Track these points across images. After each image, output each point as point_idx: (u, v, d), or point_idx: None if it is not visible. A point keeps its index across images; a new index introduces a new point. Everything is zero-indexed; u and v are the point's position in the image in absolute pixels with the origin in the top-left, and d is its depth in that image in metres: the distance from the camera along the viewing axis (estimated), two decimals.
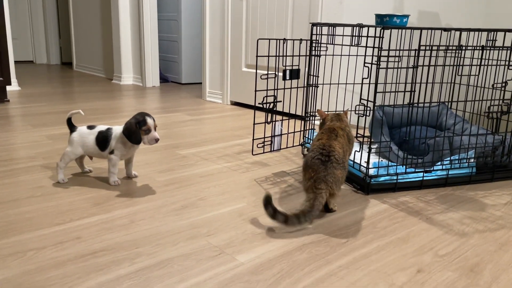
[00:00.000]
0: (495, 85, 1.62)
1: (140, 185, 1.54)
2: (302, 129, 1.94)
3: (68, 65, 6.06)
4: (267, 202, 1.19)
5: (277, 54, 1.68)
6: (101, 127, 1.53)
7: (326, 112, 1.55)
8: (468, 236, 1.23)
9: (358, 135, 1.56)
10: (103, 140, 1.50)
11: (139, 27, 4.11)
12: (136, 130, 1.44)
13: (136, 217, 1.28)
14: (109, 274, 0.98)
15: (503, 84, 1.64)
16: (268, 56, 1.67)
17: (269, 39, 1.60)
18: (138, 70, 4.27)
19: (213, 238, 1.17)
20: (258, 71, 2.98)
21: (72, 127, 1.54)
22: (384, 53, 2.22)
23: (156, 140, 1.46)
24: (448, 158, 1.65)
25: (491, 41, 1.59)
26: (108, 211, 1.31)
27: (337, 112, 1.57)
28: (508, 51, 1.63)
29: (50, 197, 1.41)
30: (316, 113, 1.83)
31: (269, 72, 1.66)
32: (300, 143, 2.02)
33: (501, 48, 1.59)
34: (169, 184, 1.56)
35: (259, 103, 1.76)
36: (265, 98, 1.67)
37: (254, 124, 1.70)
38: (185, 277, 0.98)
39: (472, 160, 1.66)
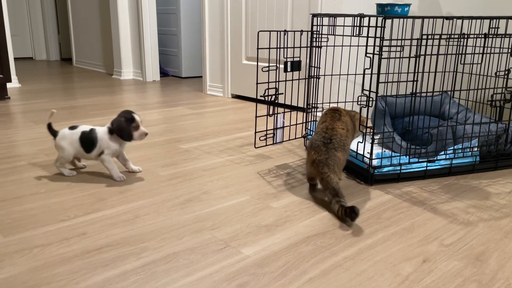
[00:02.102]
0: (498, 73, 1.61)
1: (143, 180, 1.54)
2: (304, 121, 1.94)
3: (67, 61, 6.04)
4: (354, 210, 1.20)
5: (278, 46, 1.67)
6: (84, 127, 1.52)
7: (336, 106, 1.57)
8: (473, 225, 1.23)
9: (361, 126, 1.55)
10: (88, 141, 1.50)
11: (138, 21, 4.09)
12: (128, 127, 1.48)
13: (140, 212, 1.28)
14: (115, 269, 0.99)
15: (506, 72, 1.63)
16: (269, 48, 1.66)
17: (270, 31, 1.59)
18: (138, 64, 4.25)
19: (218, 231, 1.17)
20: (259, 63, 2.97)
21: (53, 132, 1.54)
22: (386, 43, 2.21)
23: (146, 134, 1.52)
24: (452, 148, 1.64)
25: (493, 29, 1.58)
26: (112, 207, 1.31)
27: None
28: (511, 39, 1.62)
29: (54, 194, 1.41)
30: (321, 106, 1.82)
31: (270, 64, 1.65)
32: (303, 135, 2.02)
33: (503, 36, 1.57)
34: (172, 178, 1.56)
35: (260, 96, 1.75)
36: (266, 90, 1.66)
37: (256, 116, 1.70)
38: (191, 271, 0.98)
39: (475, 149, 1.65)
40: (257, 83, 1.62)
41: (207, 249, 1.08)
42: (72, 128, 1.53)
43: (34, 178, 1.55)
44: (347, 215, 1.21)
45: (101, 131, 1.51)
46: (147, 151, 1.88)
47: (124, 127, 1.48)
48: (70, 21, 5.33)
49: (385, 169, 1.53)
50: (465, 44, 1.60)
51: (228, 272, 0.98)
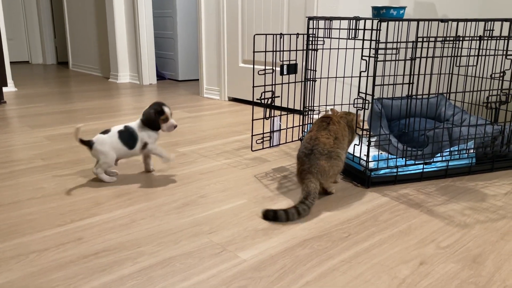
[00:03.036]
0: (493, 75, 1.62)
1: (140, 183, 1.54)
2: (301, 123, 1.94)
3: (64, 64, 6.03)
4: (265, 212, 1.25)
5: (274, 49, 1.67)
6: (117, 127, 1.54)
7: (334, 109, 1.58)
8: (469, 227, 1.23)
9: (358, 127, 1.56)
10: (129, 138, 1.53)
11: (134, 25, 4.09)
12: (156, 118, 1.52)
13: (137, 216, 1.28)
14: (112, 274, 0.98)
15: (501, 74, 1.64)
16: (265, 51, 1.66)
17: (266, 34, 1.60)
18: (135, 68, 4.25)
19: (215, 235, 1.17)
20: (255, 66, 2.97)
21: (88, 142, 1.50)
22: (382, 45, 2.21)
23: (175, 127, 1.56)
24: (448, 149, 1.65)
25: (488, 31, 1.59)
26: (109, 211, 1.31)
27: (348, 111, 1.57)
28: (506, 41, 1.63)
29: (51, 199, 1.40)
30: (317, 109, 1.82)
31: (267, 68, 1.66)
32: (299, 138, 2.02)
33: (498, 38, 1.58)
34: (169, 182, 1.55)
35: (257, 99, 1.75)
36: (263, 93, 1.66)
37: (252, 120, 1.70)
38: (188, 276, 0.98)
39: (471, 151, 1.66)
40: (253, 86, 1.62)
41: (204, 253, 1.07)
42: (105, 132, 1.53)
43: (31, 182, 1.54)
44: (278, 216, 1.24)
45: (136, 125, 1.55)
46: None
47: (152, 118, 1.52)
48: (66, 24, 5.33)
49: (382, 172, 1.54)
50: (460, 46, 1.61)
51: (225, 277, 0.98)
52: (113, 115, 2.72)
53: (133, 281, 0.96)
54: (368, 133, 1.53)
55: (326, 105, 1.99)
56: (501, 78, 1.63)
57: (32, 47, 6.12)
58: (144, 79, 4.15)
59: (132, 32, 4.16)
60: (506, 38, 1.59)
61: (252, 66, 2.98)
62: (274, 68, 1.66)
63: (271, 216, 1.25)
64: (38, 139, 2.12)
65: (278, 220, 1.24)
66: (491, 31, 1.58)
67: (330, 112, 1.54)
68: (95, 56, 4.91)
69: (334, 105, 1.95)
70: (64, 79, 4.53)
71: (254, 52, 1.55)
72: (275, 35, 1.69)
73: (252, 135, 1.74)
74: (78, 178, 1.60)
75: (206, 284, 0.95)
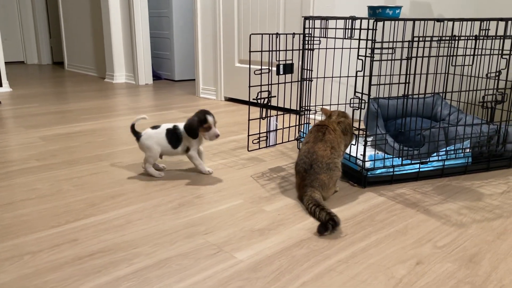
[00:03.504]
0: (489, 75, 1.62)
1: (135, 184, 1.53)
2: (297, 123, 1.94)
3: (59, 64, 6.00)
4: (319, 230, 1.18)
5: (270, 49, 1.67)
6: (167, 125, 1.58)
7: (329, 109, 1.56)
8: (466, 226, 1.23)
9: (354, 128, 1.56)
10: (174, 137, 1.56)
11: (130, 25, 4.07)
12: (197, 127, 1.53)
13: (132, 217, 1.27)
14: (107, 275, 0.97)
15: (497, 74, 1.64)
16: (261, 51, 1.66)
17: (262, 34, 1.59)
18: (131, 68, 4.24)
19: (211, 236, 1.16)
20: (251, 66, 2.96)
21: (137, 134, 1.57)
22: (378, 45, 2.22)
23: (217, 136, 1.56)
24: (444, 149, 1.65)
25: (484, 31, 1.59)
26: (104, 212, 1.30)
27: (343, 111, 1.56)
28: (501, 40, 1.63)
29: (46, 199, 1.39)
30: (313, 109, 1.82)
31: (263, 67, 1.65)
32: (296, 137, 2.01)
33: (494, 38, 1.58)
34: (164, 183, 1.55)
35: (253, 99, 1.75)
36: (259, 93, 1.66)
37: (249, 120, 1.70)
38: (184, 277, 0.97)
39: (467, 150, 1.66)
40: (249, 86, 1.61)
41: (200, 254, 1.07)
42: (155, 127, 1.57)
43: (25, 183, 1.53)
44: (327, 222, 1.18)
45: (183, 128, 1.57)
46: (139, 155, 1.87)
47: (194, 126, 1.53)
48: (61, 24, 5.31)
49: (378, 171, 1.54)
50: (456, 46, 1.61)
51: (221, 277, 0.97)
52: (109, 115, 2.71)
53: (129, 283, 0.95)
54: (364, 133, 1.53)
55: (322, 105, 1.98)
56: (496, 78, 1.63)
57: (27, 47, 6.09)
58: (140, 79, 4.14)
59: (128, 32, 4.14)
60: (502, 37, 1.59)
61: (248, 66, 2.98)
62: (270, 68, 1.66)
63: (326, 229, 1.18)
64: (32, 140, 2.11)
65: (330, 231, 1.18)
66: (486, 31, 1.58)
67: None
68: (90, 56, 4.89)
69: (330, 105, 1.95)
70: (60, 79, 4.51)
71: (250, 51, 1.55)
72: (271, 35, 1.68)
73: (248, 135, 1.74)
74: (73, 178, 1.59)
75: (202, 285, 0.94)
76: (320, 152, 1.36)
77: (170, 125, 1.58)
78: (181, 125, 1.57)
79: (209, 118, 1.55)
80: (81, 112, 2.80)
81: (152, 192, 1.46)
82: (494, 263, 1.04)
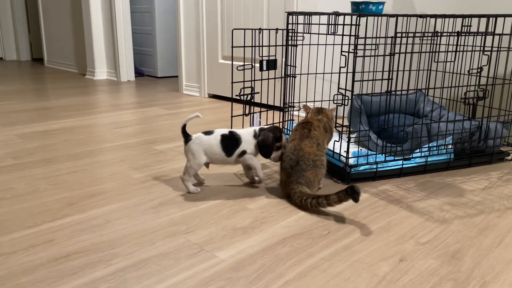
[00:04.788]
0: (470, 71, 1.62)
1: (115, 183, 1.50)
2: (281, 120, 1.92)
3: (39, 61, 5.88)
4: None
5: (253, 45, 1.64)
6: (221, 131, 1.42)
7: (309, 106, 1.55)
8: (448, 222, 1.23)
9: (337, 124, 1.54)
10: (231, 143, 1.40)
11: (111, 20, 4.00)
12: (271, 145, 1.40)
13: (111, 216, 1.24)
14: (83, 277, 0.94)
15: (479, 70, 1.65)
16: (244, 46, 1.63)
17: (245, 29, 1.57)
18: (112, 64, 4.16)
19: (192, 235, 1.14)
20: (234, 62, 2.94)
21: (187, 136, 1.39)
22: (361, 41, 2.21)
23: (279, 160, 1.43)
24: (427, 145, 1.65)
25: (466, 27, 1.59)
26: (82, 212, 1.26)
27: (320, 107, 1.55)
28: (483, 37, 1.64)
29: (21, 199, 1.35)
30: (297, 105, 1.80)
31: (246, 63, 1.63)
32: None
33: (476, 34, 1.59)
34: (145, 181, 1.51)
35: (236, 95, 1.73)
36: (242, 89, 1.64)
37: (232, 116, 1.67)
38: (164, 277, 0.95)
39: (450, 146, 1.66)
40: (232, 82, 1.59)
41: (180, 254, 1.04)
42: (208, 133, 1.41)
43: (0, 183, 1.48)
44: (349, 196, 1.19)
45: (246, 134, 1.42)
46: (119, 153, 1.83)
47: (267, 142, 1.39)
48: (41, 20, 5.19)
49: (362, 168, 1.53)
50: (438, 43, 1.61)
51: (202, 277, 0.95)
52: (89, 112, 2.65)
53: (106, 284, 0.92)
54: (348, 129, 1.52)
55: (306, 102, 1.97)
56: (478, 74, 1.64)
57: (5, 43, 5.94)
58: (122, 76, 4.07)
59: (109, 28, 4.07)
60: (483, 34, 1.60)
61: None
62: (253, 64, 1.63)
63: (357, 192, 1.18)
64: (9, 138, 2.05)
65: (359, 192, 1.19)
66: (468, 27, 1.59)
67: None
68: (71, 52, 4.80)
69: (314, 101, 1.94)
70: (39, 75, 4.41)
71: (232, 47, 1.52)
72: (254, 30, 1.66)
73: None
74: (51, 177, 1.54)
75: (182, 285, 0.92)
76: (306, 149, 1.35)
77: (225, 131, 1.42)
78: (242, 132, 1.43)
79: (283, 138, 1.43)
80: (61, 109, 2.73)
81: (133, 190, 1.43)
82: (477, 259, 1.04)
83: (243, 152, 1.41)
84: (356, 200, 1.19)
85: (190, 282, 0.93)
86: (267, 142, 1.40)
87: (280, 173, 1.42)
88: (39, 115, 2.55)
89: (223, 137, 1.40)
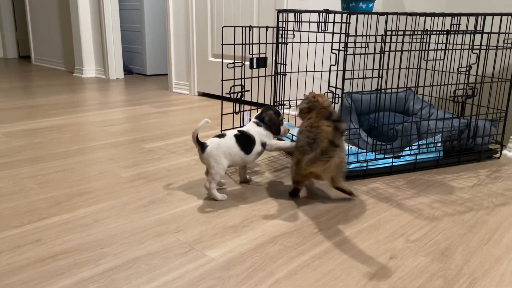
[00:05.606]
0: (459, 69, 1.63)
1: (104, 182, 1.48)
2: None
3: (26, 58, 5.80)
4: None
5: (243, 42, 1.63)
6: (232, 132, 1.38)
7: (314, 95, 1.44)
8: (438, 220, 1.23)
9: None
10: (246, 141, 1.37)
11: (99, 17, 3.95)
12: (278, 121, 1.43)
13: (100, 215, 1.22)
14: (71, 277, 0.93)
15: (468, 68, 1.66)
16: (234, 44, 1.62)
17: (235, 27, 1.56)
18: (101, 62, 4.12)
19: (182, 234, 1.13)
20: (224, 60, 2.92)
21: (202, 144, 1.33)
22: (351, 39, 2.21)
23: (288, 131, 1.48)
24: (416, 143, 1.66)
25: (455, 25, 1.60)
26: (70, 211, 1.24)
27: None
28: (472, 35, 1.65)
29: (7, 198, 1.32)
30: (288, 103, 1.79)
31: (236, 61, 1.62)
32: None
33: (465, 32, 1.60)
34: (134, 180, 1.50)
35: (226, 93, 1.72)
36: (232, 87, 1.63)
37: (222, 114, 1.66)
38: (153, 277, 0.94)
39: (439, 144, 1.67)
40: (222, 80, 1.58)
41: (170, 253, 1.03)
42: (221, 136, 1.37)
43: None
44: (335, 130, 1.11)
45: (251, 129, 1.41)
46: (108, 152, 1.81)
47: (275, 120, 1.42)
48: (28, 17, 5.11)
49: (352, 166, 1.53)
50: (428, 41, 1.61)
51: (192, 277, 0.94)
52: (77, 110, 2.62)
53: (95, 284, 0.90)
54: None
55: (296, 100, 1.97)
56: (467, 72, 1.65)
57: None
58: (110, 74, 4.03)
59: (98, 25, 4.02)
60: (472, 32, 1.61)
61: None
62: (243, 61, 1.62)
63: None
64: None
65: None
66: (457, 26, 1.60)
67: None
68: (59, 49, 4.74)
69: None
70: (26, 73, 4.35)
71: (222, 44, 1.51)
72: (244, 28, 1.65)
73: (221, 131, 1.70)
74: (38, 176, 1.52)
75: (172, 285, 0.91)
76: (324, 127, 1.27)
77: (235, 131, 1.39)
78: (244, 129, 1.41)
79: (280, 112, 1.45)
80: (48, 107, 2.70)
81: (121, 189, 1.41)
82: (466, 256, 1.04)
83: (264, 144, 1.42)
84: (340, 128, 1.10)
85: (180, 281, 0.92)
86: (274, 120, 1.42)
87: (293, 154, 1.34)
88: (26, 113, 2.52)
89: (237, 137, 1.37)
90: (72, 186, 1.43)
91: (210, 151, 1.32)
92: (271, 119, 1.42)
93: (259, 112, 1.46)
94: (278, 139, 1.58)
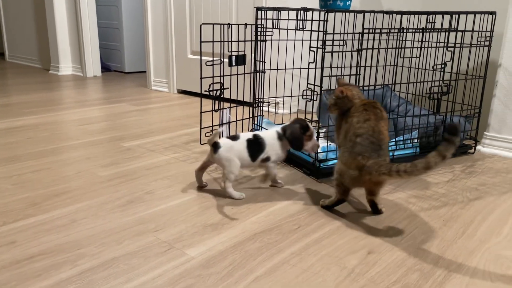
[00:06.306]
0: (435, 67, 1.67)
1: (81, 181, 1.46)
2: (251, 115, 1.91)
3: None
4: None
5: (222, 40, 1.63)
6: (246, 135, 1.36)
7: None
8: (414, 215, 1.26)
9: (306, 119, 1.55)
10: (256, 148, 1.35)
11: (76, 13, 3.88)
12: (301, 136, 1.36)
13: (77, 216, 1.20)
14: (48, 279, 0.91)
15: (443, 66, 1.69)
16: (213, 41, 1.62)
17: (213, 24, 1.55)
18: (77, 59, 4.05)
19: (161, 233, 1.12)
20: (203, 57, 2.91)
21: (216, 144, 1.33)
22: (329, 36, 2.23)
23: (318, 147, 1.41)
24: (393, 139, 1.68)
25: (430, 24, 1.63)
26: (46, 211, 1.22)
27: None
28: (446, 33, 1.68)
29: None
30: (267, 101, 1.79)
31: (215, 59, 1.62)
32: (250, 129, 1.99)
33: (440, 30, 1.63)
34: (113, 179, 1.48)
35: (205, 91, 1.71)
36: (211, 85, 1.62)
37: (201, 112, 1.66)
38: (132, 277, 0.93)
39: (415, 140, 1.70)
40: (201, 78, 1.57)
41: (149, 253, 1.03)
42: (234, 138, 1.35)
43: None
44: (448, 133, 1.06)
45: (269, 137, 1.37)
46: (85, 151, 1.78)
47: (298, 135, 1.35)
48: (1, 12, 4.98)
49: (331, 162, 1.55)
50: (404, 39, 1.64)
51: (172, 276, 0.94)
52: (53, 109, 2.57)
53: (72, 285, 0.89)
54: (317, 124, 1.53)
55: (276, 97, 1.97)
56: (442, 70, 1.68)
57: None
58: (87, 71, 3.96)
59: (74, 21, 3.95)
60: (447, 30, 1.64)
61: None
62: (222, 59, 1.62)
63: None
64: None
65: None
66: (433, 24, 1.62)
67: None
68: (33, 46, 4.63)
69: (284, 96, 1.94)
70: (0, 71, 4.24)
71: (201, 42, 1.50)
72: (222, 25, 1.64)
73: (201, 128, 1.70)
74: (13, 176, 1.48)
75: (151, 284, 0.90)
76: (385, 132, 1.18)
77: (249, 135, 1.37)
78: (265, 135, 1.38)
79: (311, 126, 1.39)
80: (23, 105, 2.64)
81: (99, 189, 1.39)
82: (441, 250, 1.07)
83: (267, 159, 1.38)
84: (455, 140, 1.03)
85: (159, 280, 0.92)
86: (296, 134, 1.36)
87: (347, 160, 1.18)
88: (0, 112, 2.45)
89: (249, 142, 1.36)
90: (49, 186, 1.41)
91: (222, 153, 1.32)
92: (292, 133, 1.36)
93: (286, 123, 1.41)
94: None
